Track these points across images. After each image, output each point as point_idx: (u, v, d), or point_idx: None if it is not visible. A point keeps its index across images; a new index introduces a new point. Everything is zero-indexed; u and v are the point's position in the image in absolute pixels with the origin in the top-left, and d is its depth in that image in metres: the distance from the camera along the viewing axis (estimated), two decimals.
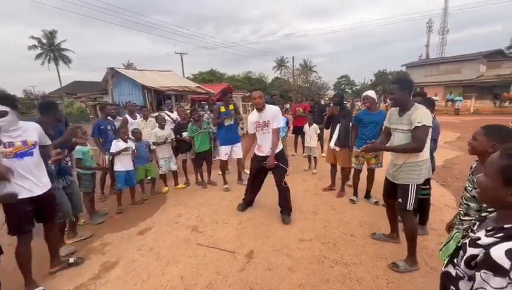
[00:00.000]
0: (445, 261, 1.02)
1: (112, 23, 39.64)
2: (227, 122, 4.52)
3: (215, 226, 3.34)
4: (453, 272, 0.92)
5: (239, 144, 4.70)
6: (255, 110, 3.40)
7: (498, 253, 0.73)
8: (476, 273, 0.77)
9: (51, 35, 33.53)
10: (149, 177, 4.55)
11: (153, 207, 4.04)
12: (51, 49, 33.76)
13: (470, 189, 1.62)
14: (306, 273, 2.39)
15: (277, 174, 3.37)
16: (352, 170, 3.96)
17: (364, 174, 3.90)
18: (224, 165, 4.74)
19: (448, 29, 41.53)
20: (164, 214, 3.81)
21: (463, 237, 1.07)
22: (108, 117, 4.64)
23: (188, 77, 26.88)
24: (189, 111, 6.36)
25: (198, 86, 16.89)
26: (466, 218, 1.64)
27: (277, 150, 3.32)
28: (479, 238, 0.83)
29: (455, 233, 1.68)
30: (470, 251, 0.84)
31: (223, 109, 4.50)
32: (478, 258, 0.79)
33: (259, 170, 3.48)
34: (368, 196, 3.96)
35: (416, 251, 2.41)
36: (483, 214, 1.00)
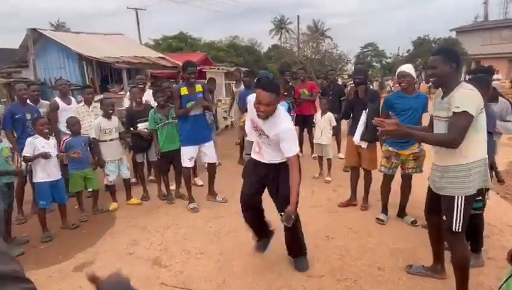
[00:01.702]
0: None
1: None
2: (191, 112, 4.40)
3: (187, 258, 3.35)
4: None
5: (209, 144, 4.63)
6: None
7: None
8: None
9: None
10: (89, 190, 4.52)
11: (95, 231, 4.02)
12: None
13: None
14: None
15: (278, 198, 3.02)
16: (381, 177, 4.03)
17: (397, 181, 3.98)
18: (189, 175, 4.65)
19: None
20: (112, 241, 3.80)
21: None
22: (28, 101, 4.55)
23: (147, 43, 26.64)
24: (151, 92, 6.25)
25: (161, 57, 16.76)
26: None
27: (278, 158, 2.96)
28: None
29: None
30: None
31: (184, 91, 4.37)
32: None
33: (251, 179, 3.14)
34: (402, 213, 4.03)
35: (469, 289, 2.47)
36: None
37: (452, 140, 2.26)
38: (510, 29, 29.61)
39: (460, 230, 2.39)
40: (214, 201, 4.75)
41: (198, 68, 5.35)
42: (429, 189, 2.71)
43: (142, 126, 4.77)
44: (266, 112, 2.70)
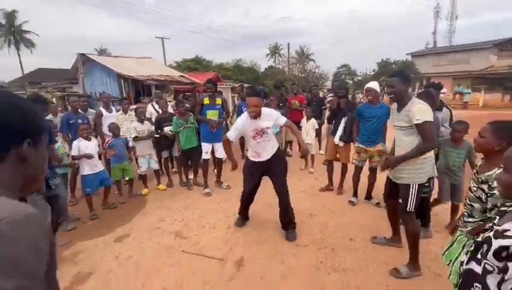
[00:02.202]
0: (465, 259, 1.09)
1: (82, 2, 38.63)
2: (210, 116, 4.39)
3: (202, 232, 3.36)
4: (477, 268, 0.99)
5: (221, 143, 4.55)
6: (247, 116, 3.05)
7: None
8: (509, 263, 0.84)
9: (11, 15, 32.41)
10: (126, 178, 4.52)
11: (131, 211, 4.03)
12: (11, 32, 32.66)
13: (475, 189, 1.69)
14: (301, 282, 2.45)
15: (278, 178, 3.14)
16: (353, 168, 4.05)
17: (365, 172, 4.00)
18: (206, 165, 4.62)
19: (457, 15, 42.46)
20: (144, 218, 3.80)
21: (476, 237, 1.14)
22: (79, 110, 4.57)
23: (171, 64, 26.51)
24: (174, 103, 6.31)
25: (182, 75, 16.74)
26: (470, 220, 1.71)
27: (273, 151, 3.16)
28: (507, 230, 0.90)
29: (459, 235, 1.76)
30: (498, 242, 0.90)
31: (206, 101, 4.39)
32: (511, 249, 0.86)
33: (255, 178, 3.25)
34: (368, 197, 4.06)
35: (419, 256, 2.50)
36: (502, 209, 1.07)
37: (430, 146, 2.30)
38: (454, 53, 29.65)
39: (412, 210, 2.41)
40: (220, 188, 4.75)
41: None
42: (388, 179, 2.73)
43: (167, 129, 4.76)
44: (256, 112, 2.95)
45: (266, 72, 35.63)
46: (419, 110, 2.25)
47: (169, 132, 4.72)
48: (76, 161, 3.92)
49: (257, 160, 3.16)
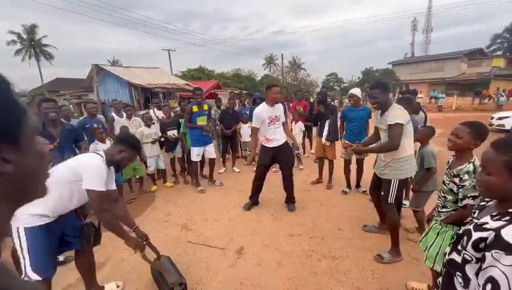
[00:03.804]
0: (447, 250, 1.10)
1: (96, 18, 38.49)
2: (200, 122, 4.28)
3: (205, 224, 3.35)
4: (457, 258, 0.99)
5: (211, 145, 4.55)
6: (265, 105, 3.36)
7: (509, 233, 0.81)
8: (487, 253, 0.84)
9: (31, 30, 32.15)
10: (137, 177, 4.50)
11: (141, 206, 4.00)
12: (32, 45, 32.39)
13: (448, 182, 1.71)
14: (295, 267, 2.45)
15: (285, 163, 3.51)
16: (339, 164, 4.10)
17: (354, 166, 4.13)
18: (196, 168, 4.57)
19: (432, 28, 42.74)
20: (153, 212, 3.78)
21: (458, 229, 1.14)
22: (98, 115, 4.51)
23: (176, 74, 26.46)
24: (178, 109, 6.18)
25: (186, 83, 16.72)
26: (443, 210, 1.73)
27: (282, 142, 3.43)
28: (485, 223, 0.91)
29: (434, 224, 1.78)
30: (477, 234, 0.91)
31: (195, 109, 4.22)
32: (488, 240, 0.86)
33: (267, 162, 3.53)
34: (357, 185, 4.22)
35: (400, 243, 2.51)
36: (481, 203, 1.08)
37: (392, 145, 2.32)
38: (429, 62, 29.89)
39: (392, 202, 2.44)
40: (214, 185, 4.68)
41: (212, 91, 5.33)
42: (374, 174, 2.75)
43: (170, 133, 4.70)
44: (280, 98, 3.40)
45: (262, 80, 35.65)
46: (394, 115, 2.31)
47: (173, 136, 4.67)
48: None
49: (272, 146, 3.44)
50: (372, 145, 2.70)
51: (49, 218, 1.76)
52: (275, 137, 3.42)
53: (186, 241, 2.96)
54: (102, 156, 1.89)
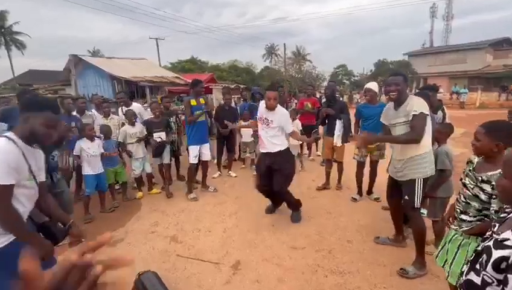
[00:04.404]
0: (465, 269, 1.07)
1: (75, 3, 38.46)
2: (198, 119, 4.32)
3: (197, 235, 3.35)
4: (476, 279, 0.96)
5: (207, 145, 4.55)
6: (264, 104, 3.43)
7: None
8: (509, 276, 0.81)
9: (2, 16, 32.15)
10: (120, 182, 4.48)
11: (125, 215, 3.99)
12: (1, 33, 32.39)
13: (472, 187, 1.68)
14: (298, 285, 2.45)
15: (276, 175, 3.41)
16: (350, 167, 4.10)
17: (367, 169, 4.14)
18: (192, 171, 4.48)
19: (453, 14, 42.95)
20: (138, 222, 3.77)
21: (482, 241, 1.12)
22: (74, 112, 4.44)
23: (165, 65, 26.47)
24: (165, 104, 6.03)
25: (176, 76, 16.74)
26: (465, 218, 1.71)
27: (281, 148, 3.39)
28: (506, 239, 0.88)
29: (453, 235, 1.77)
30: (498, 253, 0.88)
31: (193, 103, 4.30)
32: (510, 259, 0.83)
33: (261, 167, 3.55)
34: (369, 192, 4.20)
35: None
36: (501, 215, 1.05)
37: (416, 136, 2.36)
38: (450, 53, 29.96)
39: (419, 206, 2.45)
40: (207, 191, 4.68)
41: (205, 85, 5.34)
42: (390, 179, 2.76)
43: (156, 135, 4.55)
44: (274, 104, 3.29)
45: (262, 73, 35.72)
46: (418, 104, 2.37)
47: (159, 138, 4.54)
48: (70, 165, 3.87)
49: (264, 151, 3.51)
50: (390, 135, 2.67)
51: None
52: (263, 141, 3.48)
53: (175, 255, 2.95)
54: (10, 138, 1.50)
